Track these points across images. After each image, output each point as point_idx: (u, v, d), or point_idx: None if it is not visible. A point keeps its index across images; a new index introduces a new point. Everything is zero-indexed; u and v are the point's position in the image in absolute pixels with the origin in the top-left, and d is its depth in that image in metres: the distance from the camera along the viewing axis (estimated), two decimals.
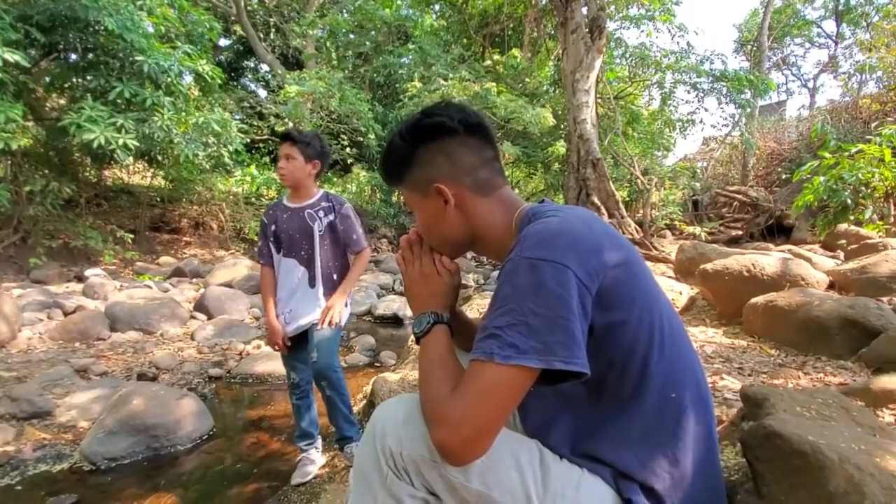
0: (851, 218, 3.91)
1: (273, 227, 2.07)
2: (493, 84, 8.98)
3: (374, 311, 5.56)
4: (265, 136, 11.12)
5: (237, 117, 10.84)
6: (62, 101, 7.44)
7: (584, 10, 7.88)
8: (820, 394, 1.22)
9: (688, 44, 13.01)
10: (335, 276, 2.11)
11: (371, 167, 11.00)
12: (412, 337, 3.02)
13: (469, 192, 0.92)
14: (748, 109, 11.44)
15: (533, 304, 0.72)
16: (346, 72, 12.38)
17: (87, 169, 8.50)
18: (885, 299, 2.51)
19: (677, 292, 3.56)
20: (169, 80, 6.58)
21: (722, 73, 10.54)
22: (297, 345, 2.10)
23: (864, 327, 2.10)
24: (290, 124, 10.14)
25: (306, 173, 2.06)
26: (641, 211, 8.15)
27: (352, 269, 2.15)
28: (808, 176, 4.04)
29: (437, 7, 13.16)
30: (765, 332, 2.54)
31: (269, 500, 2.00)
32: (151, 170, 9.32)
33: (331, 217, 2.09)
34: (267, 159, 11.71)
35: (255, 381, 3.45)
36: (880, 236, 4.10)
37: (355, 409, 2.50)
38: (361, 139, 10.62)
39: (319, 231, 2.06)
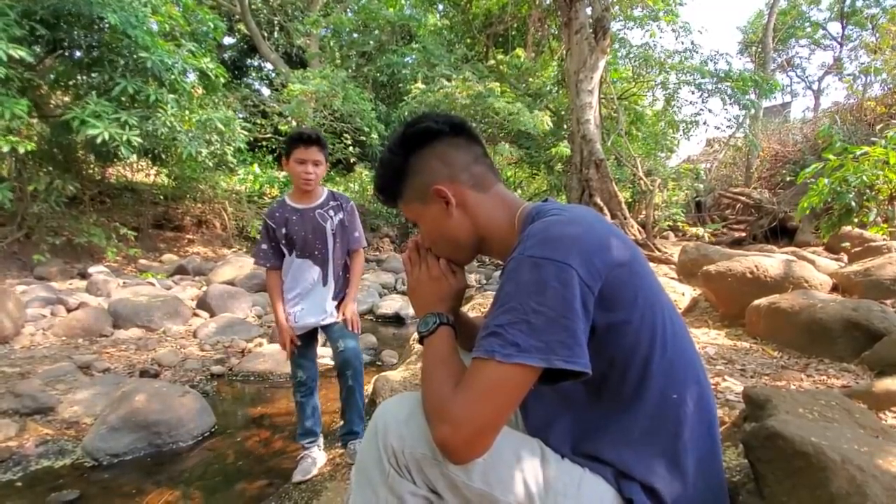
0: (855, 220, 3.90)
1: (283, 230, 2.06)
2: (497, 84, 8.97)
3: (376, 310, 5.57)
4: (268, 135, 11.15)
5: (240, 115, 10.85)
6: (66, 99, 7.46)
7: (588, 11, 7.87)
8: (822, 395, 1.22)
9: (692, 43, 12.93)
10: (341, 273, 2.16)
11: (374, 166, 11.02)
12: (414, 336, 3.01)
13: (468, 189, 0.93)
14: (752, 111, 11.43)
15: (535, 303, 0.72)
16: (350, 71, 12.40)
17: (91, 167, 8.54)
18: (888, 302, 2.50)
19: (680, 293, 3.55)
20: (172, 77, 6.60)
21: (726, 73, 10.52)
22: (304, 343, 2.12)
23: (867, 330, 2.09)
24: (294, 123, 10.16)
25: (323, 176, 2.10)
26: (644, 212, 8.13)
27: (353, 271, 2.19)
28: (813, 178, 4.03)
29: (440, 7, 13.16)
30: (767, 334, 2.53)
31: (271, 498, 2.00)
32: (155, 168, 9.37)
33: (340, 215, 2.12)
34: (269, 158, 11.73)
35: (256, 378, 3.46)
36: (884, 239, 4.08)
37: None
38: (364, 138, 10.64)
39: (332, 230, 2.09)
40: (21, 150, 5.35)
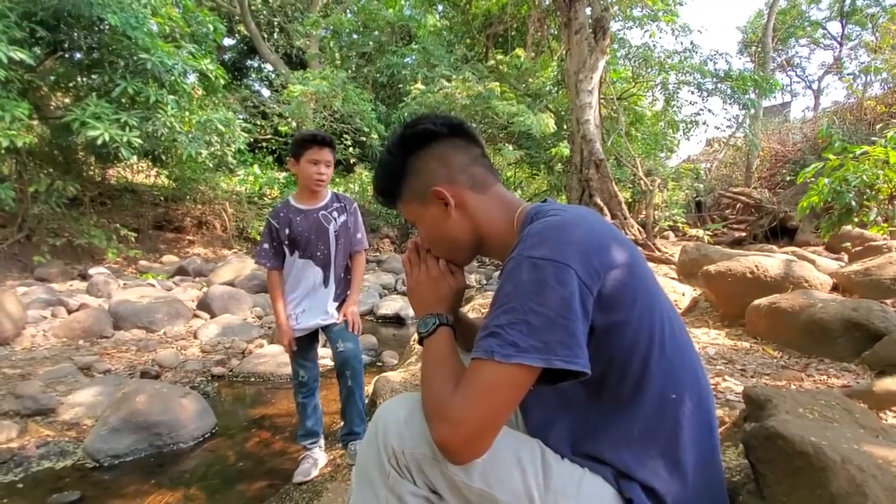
0: (855, 220, 3.89)
1: (287, 230, 2.06)
2: (497, 84, 8.96)
3: (377, 311, 5.57)
4: (268, 136, 11.15)
5: (241, 117, 10.86)
6: (67, 100, 7.47)
7: (588, 11, 7.86)
8: (823, 395, 1.22)
9: (692, 43, 12.92)
10: (343, 275, 2.16)
11: (374, 167, 11.03)
12: (414, 336, 3.02)
13: (467, 190, 0.93)
14: (752, 110, 11.42)
15: (534, 303, 0.72)
16: (350, 72, 12.40)
17: (92, 168, 8.55)
18: (888, 302, 2.50)
19: (680, 293, 3.54)
20: (172, 78, 6.61)
21: (726, 73, 10.51)
22: (305, 344, 2.12)
23: (867, 330, 2.09)
24: (294, 124, 10.16)
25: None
26: (644, 212, 8.13)
27: (355, 273, 2.19)
28: (813, 178, 4.02)
29: (440, 7, 13.15)
30: (768, 334, 2.53)
31: (272, 499, 2.01)
32: (155, 169, 9.37)
33: (344, 217, 2.12)
34: (270, 159, 11.75)
35: (257, 379, 3.46)
36: (884, 238, 4.08)
37: None
38: (364, 139, 10.65)
39: (335, 231, 2.09)
40: (20, 144, 5.34)
